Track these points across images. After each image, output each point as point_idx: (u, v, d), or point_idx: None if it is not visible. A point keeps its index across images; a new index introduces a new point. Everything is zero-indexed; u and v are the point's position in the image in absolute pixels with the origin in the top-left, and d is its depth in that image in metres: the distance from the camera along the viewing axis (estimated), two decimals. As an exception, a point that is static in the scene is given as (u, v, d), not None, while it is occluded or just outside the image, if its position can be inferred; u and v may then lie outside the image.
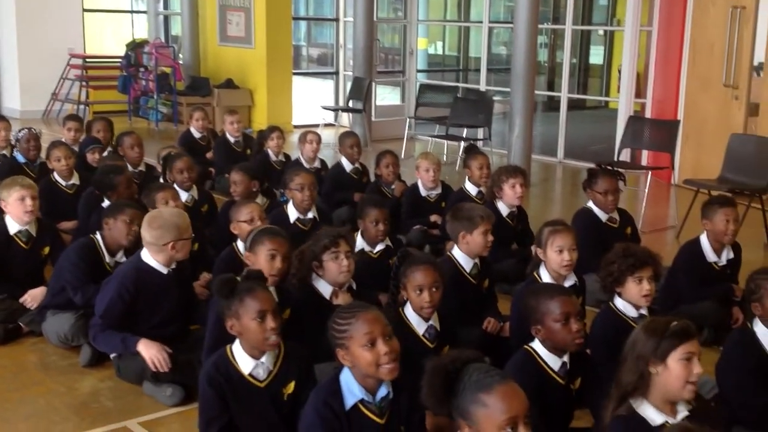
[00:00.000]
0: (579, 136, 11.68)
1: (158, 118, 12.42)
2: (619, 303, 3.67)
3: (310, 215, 5.22)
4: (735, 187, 6.76)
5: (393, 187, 6.56)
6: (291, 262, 3.82)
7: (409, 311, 3.48)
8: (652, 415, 2.60)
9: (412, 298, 3.44)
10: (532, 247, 4.18)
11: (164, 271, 3.95)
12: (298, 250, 3.92)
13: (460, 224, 4.26)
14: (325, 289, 3.81)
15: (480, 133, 10.26)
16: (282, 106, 12.45)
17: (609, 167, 5.45)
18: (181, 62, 13.18)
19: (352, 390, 2.66)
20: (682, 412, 2.63)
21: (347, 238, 3.84)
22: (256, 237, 3.80)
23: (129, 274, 3.92)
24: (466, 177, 6.13)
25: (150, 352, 3.77)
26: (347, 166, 7.01)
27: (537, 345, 3.10)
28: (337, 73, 13.64)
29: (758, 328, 3.32)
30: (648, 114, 9.52)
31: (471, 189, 6.07)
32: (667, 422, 2.58)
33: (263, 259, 3.70)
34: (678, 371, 2.57)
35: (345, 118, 12.42)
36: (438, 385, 2.23)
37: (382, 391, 2.68)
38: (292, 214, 5.23)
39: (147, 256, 3.95)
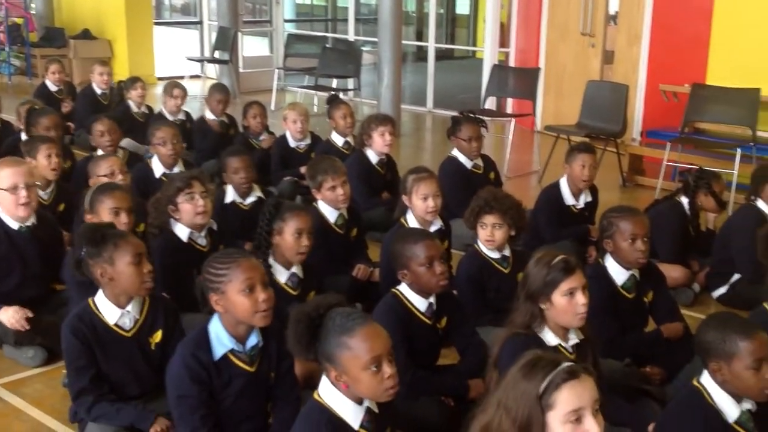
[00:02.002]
0: (448, 85, 11.86)
1: (11, 72, 11.79)
2: (482, 245, 3.80)
3: (176, 169, 5.08)
4: (592, 132, 7.07)
5: (261, 138, 6.48)
6: (138, 214, 3.76)
7: (271, 260, 3.50)
8: (549, 337, 2.76)
9: (289, 242, 3.45)
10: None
11: (14, 226, 3.77)
12: (153, 198, 3.86)
13: (310, 182, 4.33)
14: (183, 233, 3.79)
15: (350, 83, 10.25)
16: (143, 57, 12.00)
17: (471, 114, 5.58)
18: (33, 12, 12.49)
19: (221, 340, 2.65)
20: (573, 339, 2.80)
21: (201, 178, 3.83)
22: (94, 196, 3.67)
23: None
24: (332, 128, 6.14)
25: (6, 315, 3.64)
26: (212, 119, 6.85)
27: (404, 288, 3.18)
28: (201, 22, 13.21)
29: (609, 263, 3.51)
30: (512, 63, 9.77)
31: (337, 139, 6.09)
32: (560, 344, 2.76)
33: (107, 218, 3.57)
34: (563, 306, 2.72)
35: (212, 70, 12.10)
36: (302, 331, 2.26)
37: (252, 340, 2.69)
38: (158, 168, 5.09)
39: (1, 212, 3.78)
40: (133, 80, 7.45)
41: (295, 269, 3.50)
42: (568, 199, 5.01)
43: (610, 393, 2.92)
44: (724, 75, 7.18)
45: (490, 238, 3.75)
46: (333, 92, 8.05)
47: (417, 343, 3.12)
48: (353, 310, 2.29)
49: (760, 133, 6.54)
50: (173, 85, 7.22)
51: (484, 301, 3.75)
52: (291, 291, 3.46)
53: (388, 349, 2.24)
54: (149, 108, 7.49)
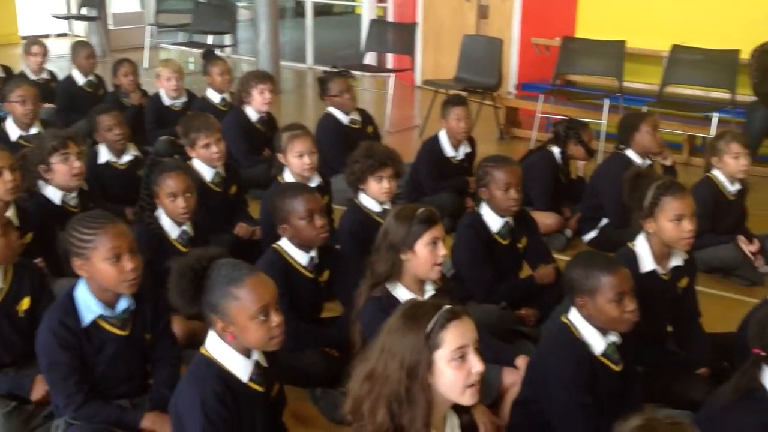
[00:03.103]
0: (327, 41, 11.78)
1: None
2: (364, 199, 3.84)
3: (33, 130, 4.86)
4: (469, 85, 7.20)
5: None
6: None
7: (162, 216, 3.47)
8: (404, 294, 2.79)
9: (167, 204, 3.42)
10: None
11: None
12: (18, 154, 3.70)
13: (184, 139, 4.27)
14: (55, 195, 3.69)
15: (226, 39, 10.02)
16: (5, 15, 11.38)
17: (334, 69, 5.60)
18: None
19: (89, 306, 2.59)
20: (429, 291, 2.86)
21: (75, 139, 3.74)
22: None
23: None
24: (208, 84, 6.02)
25: None
26: (80, 79, 6.56)
27: (284, 243, 3.18)
28: (66, -23, 12.56)
29: (484, 211, 3.61)
30: (390, 18, 9.77)
31: (213, 96, 5.98)
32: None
33: None
34: (425, 255, 2.77)
35: (79, 27, 11.56)
36: (186, 284, 2.23)
37: (123, 303, 2.64)
38: (13, 131, 4.87)
39: None
40: None
41: (185, 227, 3.48)
42: (448, 151, 5.11)
43: (486, 335, 3.04)
44: (592, 28, 7.45)
45: (387, 190, 3.78)
46: (208, 48, 7.86)
47: (299, 296, 3.15)
48: (239, 261, 2.28)
49: (626, 84, 6.82)
50: (31, 43, 6.85)
51: (367, 254, 3.79)
52: (181, 248, 3.42)
53: (275, 298, 2.25)
54: (6, 69, 7.03)
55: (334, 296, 3.42)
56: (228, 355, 2.26)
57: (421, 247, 2.76)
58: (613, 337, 2.59)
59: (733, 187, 4.37)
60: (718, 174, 4.35)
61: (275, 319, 2.22)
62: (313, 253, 3.20)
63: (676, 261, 3.15)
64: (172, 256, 2.90)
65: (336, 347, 3.18)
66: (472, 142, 5.25)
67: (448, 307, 1.93)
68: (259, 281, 2.23)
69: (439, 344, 1.89)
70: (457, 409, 2.01)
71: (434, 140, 5.17)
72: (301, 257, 3.17)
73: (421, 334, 1.89)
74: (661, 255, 3.12)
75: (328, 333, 3.21)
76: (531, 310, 3.56)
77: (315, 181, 4.18)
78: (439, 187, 5.01)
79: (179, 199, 3.39)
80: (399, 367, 1.88)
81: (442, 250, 2.79)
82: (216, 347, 2.27)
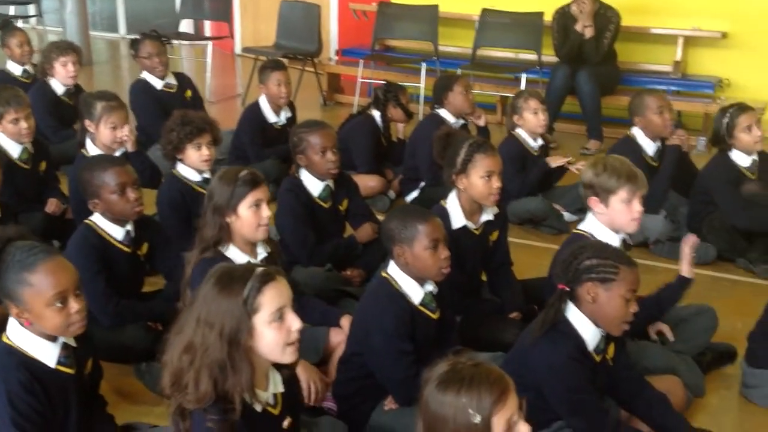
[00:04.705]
0: (141, 9, 11.32)
1: None
2: (182, 169, 3.76)
3: None
4: (289, 52, 7.17)
5: None
6: None
7: None
8: (236, 256, 2.79)
9: None
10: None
11: None
12: None
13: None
14: None
15: (30, 9, 9.42)
16: None
17: (154, 32, 5.45)
18: None
19: None
20: (262, 254, 2.87)
21: None
22: None
23: None
24: (7, 56, 5.69)
25: None
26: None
27: (97, 217, 3.08)
28: None
29: (304, 176, 3.63)
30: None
31: (14, 69, 5.68)
32: (249, 261, 2.79)
33: None
34: (249, 217, 2.78)
35: None
36: None
37: None
38: None
39: None
40: None
41: None
42: (270, 116, 5.11)
43: (312, 298, 3.10)
44: (407, -7, 7.58)
45: (207, 157, 3.72)
46: (6, 19, 7.39)
47: (118, 272, 3.07)
48: (34, 244, 2.18)
49: (441, 48, 7.03)
50: None
51: (189, 224, 3.73)
52: None
53: (75, 283, 2.17)
54: None
55: (156, 270, 3.35)
56: (31, 341, 2.18)
57: (245, 209, 2.78)
58: (430, 287, 2.70)
59: (536, 144, 4.64)
60: (521, 132, 4.61)
61: (74, 305, 2.15)
62: (129, 227, 3.12)
63: (487, 216, 3.30)
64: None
65: (159, 320, 3.12)
66: (292, 107, 5.27)
67: (261, 269, 1.94)
68: (56, 266, 2.14)
69: (257, 308, 1.90)
70: (278, 365, 2.04)
71: (255, 106, 5.14)
72: (116, 232, 3.08)
73: (237, 301, 1.88)
74: (471, 211, 3.25)
75: (150, 306, 3.15)
76: (356, 271, 3.64)
77: (120, 153, 4.04)
78: (263, 154, 5.00)
79: None
80: (218, 336, 1.87)
81: (266, 212, 2.82)
82: (17, 334, 2.18)
